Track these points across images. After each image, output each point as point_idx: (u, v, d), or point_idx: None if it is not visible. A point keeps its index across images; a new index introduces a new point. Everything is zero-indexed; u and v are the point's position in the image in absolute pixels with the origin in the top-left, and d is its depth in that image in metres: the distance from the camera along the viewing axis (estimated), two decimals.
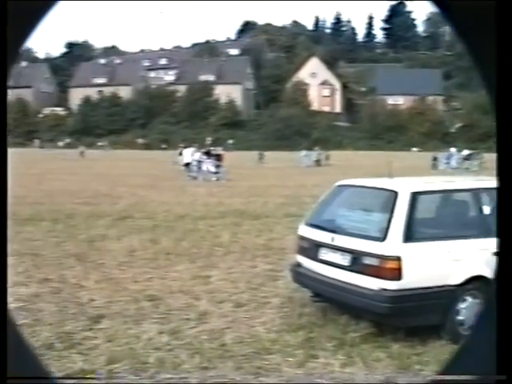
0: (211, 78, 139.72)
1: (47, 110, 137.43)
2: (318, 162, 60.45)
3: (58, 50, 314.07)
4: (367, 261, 7.91)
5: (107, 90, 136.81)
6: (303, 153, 61.86)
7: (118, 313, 9.11)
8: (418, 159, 60.80)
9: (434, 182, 9.55)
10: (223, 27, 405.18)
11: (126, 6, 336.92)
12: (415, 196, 8.08)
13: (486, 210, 8.33)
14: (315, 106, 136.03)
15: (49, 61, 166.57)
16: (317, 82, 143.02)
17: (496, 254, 1.65)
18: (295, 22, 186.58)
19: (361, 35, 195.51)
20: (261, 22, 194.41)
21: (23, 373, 1.67)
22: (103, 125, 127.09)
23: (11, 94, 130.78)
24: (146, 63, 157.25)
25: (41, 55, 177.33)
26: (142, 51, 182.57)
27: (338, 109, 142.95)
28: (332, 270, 8.52)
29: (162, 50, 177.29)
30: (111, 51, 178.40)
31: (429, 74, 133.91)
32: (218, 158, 40.92)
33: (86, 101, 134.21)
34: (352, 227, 8.69)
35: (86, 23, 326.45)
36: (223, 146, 62.65)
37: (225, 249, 14.37)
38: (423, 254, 7.75)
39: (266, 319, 8.87)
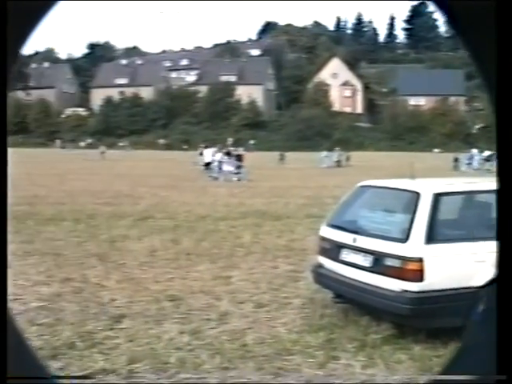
0: (232, 78, 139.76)
1: (69, 111, 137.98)
2: (338, 163, 60.31)
3: (79, 50, 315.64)
4: (389, 262, 7.87)
5: (129, 91, 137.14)
6: (324, 153, 61.72)
7: (139, 313, 9.13)
8: (439, 160, 60.50)
9: (456, 183, 9.50)
10: (244, 28, 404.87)
11: (147, 7, 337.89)
12: (437, 197, 8.03)
13: None
14: (336, 107, 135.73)
15: (71, 61, 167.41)
16: (338, 82, 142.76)
17: (496, 255, 1.65)
18: (316, 23, 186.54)
19: (382, 36, 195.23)
20: (282, 22, 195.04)
21: (23, 373, 1.67)
22: (124, 125, 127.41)
23: (34, 95, 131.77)
24: (168, 64, 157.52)
25: (63, 56, 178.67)
26: (164, 52, 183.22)
27: (359, 109, 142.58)
28: (353, 271, 8.48)
29: (183, 50, 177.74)
30: (133, 52, 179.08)
31: (451, 75, 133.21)
32: (239, 158, 40.93)
33: (108, 101, 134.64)
34: (374, 228, 8.65)
35: (107, 24, 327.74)
36: (244, 147, 62.67)
37: (246, 249, 14.36)
38: (445, 256, 7.70)
39: (287, 320, 8.85)
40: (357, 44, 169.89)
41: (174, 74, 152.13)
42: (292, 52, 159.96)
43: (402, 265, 7.67)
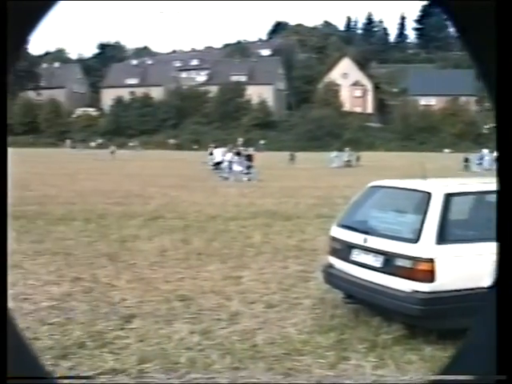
0: (243, 78, 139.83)
1: (79, 111, 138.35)
2: (348, 163, 60.26)
3: (90, 50, 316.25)
4: (400, 262, 7.86)
5: (139, 91, 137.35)
6: (334, 153, 61.68)
7: (149, 312, 9.13)
8: (449, 160, 60.34)
9: (467, 184, 9.47)
10: (255, 28, 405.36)
11: (157, 7, 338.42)
12: (449, 197, 8.01)
13: None
14: (347, 107, 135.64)
15: (81, 62, 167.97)
16: (348, 82, 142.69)
17: (496, 257, 1.64)
18: (327, 23, 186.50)
19: (393, 35, 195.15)
20: (292, 22, 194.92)
21: (23, 373, 1.67)
22: (135, 125, 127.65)
23: (44, 95, 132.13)
24: (178, 64, 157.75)
25: (73, 56, 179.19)
26: (174, 52, 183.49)
27: (369, 109, 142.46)
28: (364, 272, 8.47)
29: (193, 50, 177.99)
30: (143, 52, 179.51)
31: (461, 75, 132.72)
32: (249, 158, 40.91)
33: (118, 101, 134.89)
34: (384, 228, 8.64)
35: (118, 24, 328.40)
36: (255, 147, 62.67)
37: (256, 249, 14.36)
38: (456, 256, 7.68)
39: (298, 320, 8.84)
40: (367, 44, 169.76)
41: (184, 74, 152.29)
42: (302, 52, 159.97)
43: (412, 265, 7.65)
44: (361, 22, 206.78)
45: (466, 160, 56.52)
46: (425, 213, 7.89)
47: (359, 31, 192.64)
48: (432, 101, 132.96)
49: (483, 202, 9.07)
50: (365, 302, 8.82)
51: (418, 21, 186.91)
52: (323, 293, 10.05)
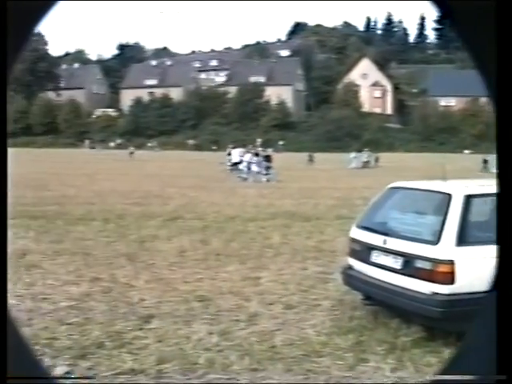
0: (262, 79, 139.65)
1: (99, 111, 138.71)
2: (366, 164, 60.08)
3: (109, 51, 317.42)
4: (419, 264, 7.82)
5: (158, 92, 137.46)
6: (353, 154, 61.54)
7: (168, 313, 9.15)
8: (469, 161, 60.08)
9: (487, 185, 9.41)
10: (274, 28, 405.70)
11: (177, 7, 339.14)
12: (469, 199, 7.96)
13: None
14: (366, 108, 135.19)
15: (101, 62, 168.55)
16: (368, 83, 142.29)
17: (496, 259, 1.64)
18: (346, 23, 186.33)
19: (413, 36, 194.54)
20: (311, 23, 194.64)
21: (23, 373, 1.68)
22: (154, 126, 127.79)
23: (64, 95, 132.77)
24: (197, 64, 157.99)
25: (93, 57, 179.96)
26: (193, 53, 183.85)
27: (389, 110, 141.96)
28: (383, 273, 8.44)
29: (212, 51, 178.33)
30: (162, 53, 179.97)
31: None
32: (268, 159, 40.88)
33: (137, 102, 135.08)
34: (404, 230, 8.60)
35: (138, 25, 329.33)
36: (274, 148, 62.67)
37: (275, 250, 14.35)
38: (476, 258, 7.62)
39: (317, 322, 8.82)
40: (387, 44, 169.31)
41: (203, 75, 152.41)
42: (322, 52, 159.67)
43: (432, 267, 7.61)
44: (380, 22, 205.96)
45: (485, 161, 56.11)
46: (445, 214, 7.85)
47: (379, 31, 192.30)
48: (452, 101, 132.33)
49: None
50: (384, 303, 8.78)
51: (438, 21, 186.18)
52: (342, 294, 10.04)
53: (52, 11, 1.64)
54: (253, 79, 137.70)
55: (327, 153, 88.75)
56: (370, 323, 8.65)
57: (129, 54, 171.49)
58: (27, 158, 62.19)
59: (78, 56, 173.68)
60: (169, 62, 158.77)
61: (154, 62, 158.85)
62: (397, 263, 8.22)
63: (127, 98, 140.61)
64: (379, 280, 8.51)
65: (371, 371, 7.01)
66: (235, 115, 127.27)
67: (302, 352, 7.54)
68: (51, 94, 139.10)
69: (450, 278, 7.46)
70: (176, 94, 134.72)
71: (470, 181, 10.45)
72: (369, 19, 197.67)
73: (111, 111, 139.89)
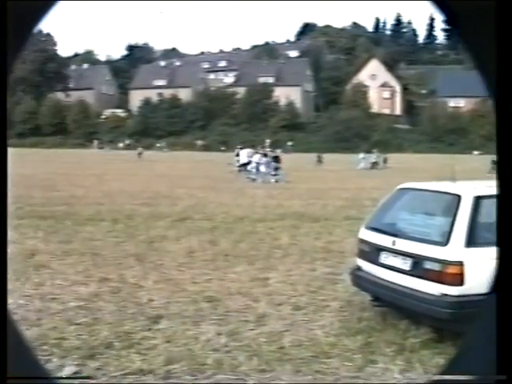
0: (270, 80, 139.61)
1: (108, 112, 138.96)
2: (375, 165, 59.96)
3: (118, 52, 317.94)
4: (428, 265, 7.80)
5: (167, 92, 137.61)
6: (361, 155, 61.44)
7: (176, 313, 9.14)
8: (479, 162, 59.91)
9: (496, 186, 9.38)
10: (282, 29, 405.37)
11: (185, 8, 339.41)
12: (478, 200, 7.92)
13: None
14: (375, 108, 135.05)
15: (110, 63, 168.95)
16: (377, 84, 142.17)
17: (496, 260, 1.64)
18: (355, 24, 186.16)
19: (422, 37, 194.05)
20: (320, 23, 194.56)
21: (23, 373, 1.68)
22: (163, 126, 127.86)
23: (73, 96, 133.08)
24: (206, 65, 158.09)
25: (102, 58, 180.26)
26: (202, 53, 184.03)
27: (398, 111, 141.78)
28: (392, 274, 8.42)
29: (221, 52, 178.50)
30: (171, 53, 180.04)
31: None
32: (277, 159, 40.88)
33: (146, 103, 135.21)
34: (413, 231, 8.58)
35: (146, 26, 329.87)
36: (282, 148, 62.59)
37: (283, 251, 14.34)
38: (486, 260, 7.59)
39: (325, 323, 8.82)
40: (396, 45, 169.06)
41: (212, 76, 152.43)
42: (330, 53, 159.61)
43: (441, 268, 7.59)
44: (389, 23, 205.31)
45: (495, 162, 56.04)
46: (454, 215, 7.83)
47: (388, 32, 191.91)
48: (461, 102, 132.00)
49: None
50: (393, 304, 8.77)
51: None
52: (351, 295, 10.03)
53: (53, 11, 1.64)
54: (261, 80, 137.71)
55: (336, 154, 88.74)
56: (379, 324, 8.63)
57: (138, 55, 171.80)
58: (36, 159, 62.38)
59: (87, 57, 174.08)
60: (178, 63, 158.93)
61: (162, 63, 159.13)
62: (406, 264, 8.21)
63: (136, 98, 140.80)
64: (388, 281, 8.49)
65: (380, 372, 7.00)
66: (244, 116, 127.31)
67: (311, 353, 7.53)
68: (60, 95, 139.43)
69: (459, 280, 7.44)
70: (185, 94, 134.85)
71: (480, 182, 10.42)
72: (378, 20, 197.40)
73: (120, 112, 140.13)
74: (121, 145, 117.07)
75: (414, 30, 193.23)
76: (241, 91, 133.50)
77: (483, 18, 1.56)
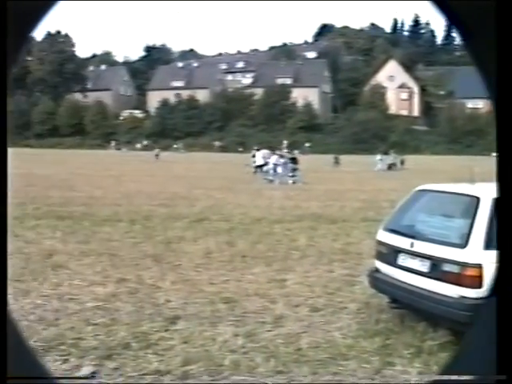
0: (288, 81, 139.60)
1: (126, 113, 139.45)
2: (392, 167, 59.75)
3: (136, 53, 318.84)
4: (447, 268, 7.76)
5: (185, 93, 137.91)
6: (378, 157, 61.24)
7: (193, 314, 9.15)
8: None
9: None
10: (300, 30, 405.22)
11: (203, 9, 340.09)
12: None
13: None
14: (393, 110, 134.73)
15: (128, 64, 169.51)
16: (395, 85, 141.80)
17: (497, 261, 1.65)
18: (373, 25, 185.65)
19: (440, 37, 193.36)
20: (338, 24, 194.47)
21: (23, 373, 1.68)
22: (180, 127, 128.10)
23: (91, 97, 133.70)
24: (224, 66, 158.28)
25: (120, 59, 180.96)
26: (220, 54, 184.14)
27: (415, 112, 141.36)
28: (410, 276, 8.39)
29: (239, 53, 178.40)
30: (189, 54, 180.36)
31: None
32: (294, 161, 40.86)
33: (164, 104, 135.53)
34: (432, 233, 8.54)
35: (164, 27, 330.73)
36: (300, 150, 62.53)
37: (301, 252, 14.32)
38: None
39: (343, 324, 8.79)
40: (414, 46, 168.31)
41: (229, 77, 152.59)
42: (348, 54, 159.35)
43: (460, 270, 7.55)
44: (408, 23, 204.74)
45: None
46: (473, 217, 7.78)
47: (406, 33, 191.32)
48: (479, 104, 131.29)
49: None
50: (410, 307, 8.73)
51: None
52: (368, 297, 9.99)
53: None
54: (279, 81, 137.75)
55: (354, 155, 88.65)
56: (397, 326, 8.60)
57: (155, 56, 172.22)
58: (54, 159, 62.66)
59: (105, 58, 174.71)
60: (195, 64, 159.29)
61: (180, 64, 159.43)
62: (424, 266, 8.17)
63: (154, 99, 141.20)
64: (406, 283, 8.46)
65: (398, 375, 6.97)
66: (261, 117, 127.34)
67: (328, 355, 7.51)
68: (78, 96, 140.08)
69: (477, 282, 7.39)
70: (202, 95, 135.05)
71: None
72: (396, 21, 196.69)
73: (138, 113, 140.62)
74: (138, 146, 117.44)
75: (432, 31, 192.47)
76: (258, 92, 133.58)
77: (483, 17, 1.56)
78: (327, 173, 50.08)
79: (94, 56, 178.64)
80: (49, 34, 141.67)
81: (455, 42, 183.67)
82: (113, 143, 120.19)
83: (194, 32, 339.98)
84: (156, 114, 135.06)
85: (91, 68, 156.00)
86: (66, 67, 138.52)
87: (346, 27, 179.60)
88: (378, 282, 9.26)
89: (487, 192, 8.17)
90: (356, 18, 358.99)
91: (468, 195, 8.36)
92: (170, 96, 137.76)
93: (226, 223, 18.90)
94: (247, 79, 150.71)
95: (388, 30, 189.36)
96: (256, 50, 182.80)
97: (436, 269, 7.94)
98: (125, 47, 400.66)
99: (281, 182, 38.12)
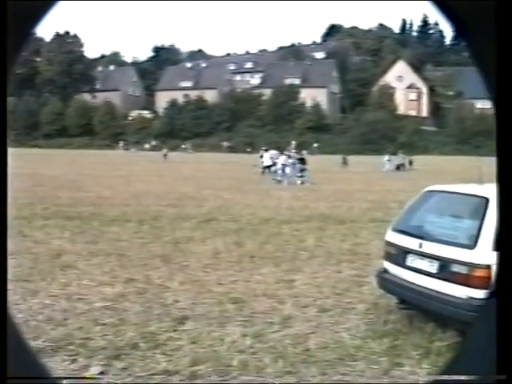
0: (296, 81, 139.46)
1: (134, 113, 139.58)
2: (400, 167, 59.63)
3: (145, 54, 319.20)
4: (456, 268, 7.74)
5: (193, 94, 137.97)
6: (386, 157, 61.09)
7: (202, 315, 9.15)
8: None
9: None
10: (309, 30, 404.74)
11: (211, 9, 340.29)
12: None
13: None
14: (401, 110, 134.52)
15: (136, 65, 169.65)
16: (403, 85, 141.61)
17: (497, 262, 1.65)
18: (381, 25, 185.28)
19: (448, 38, 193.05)
20: (347, 25, 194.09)
21: (23, 373, 1.69)
22: (189, 128, 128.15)
23: (99, 97, 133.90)
24: (232, 67, 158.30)
25: (128, 59, 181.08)
26: (228, 55, 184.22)
27: (424, 113, 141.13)
28: (419, 277, 8.37)
29: (247, 53, 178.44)
30: (197, 55, 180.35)
31: None
32: (303, 161, 40.82)
33: (172, 104, 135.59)
34: (441, 234, 8.52)
35: (172, 27, 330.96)
36: (308, 150, 62.45)
37: (309, 253, 14.31)
38: None
39: (351, 325, 8.78)
40: (422, 46, 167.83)
41: (238, 77, 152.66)
42: (357, 55, 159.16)
43: (469, 271, 7.53)
44: (416, 24, 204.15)
45: None
46: (482, 218, 7.75)
47: (414, 33, 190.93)
48: (488, 104, 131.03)
49: None
50: (419, 307, 8.71)
51: None
52: (377, 298, 9.98)
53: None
54: (288, 81, 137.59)
55: (362, 155, 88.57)
56: (405, 327, 8.59)
57: (164, 57, 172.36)
58: (63, 160, 62.75)
59: (114, 58, 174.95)
60: (204, 64, 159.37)
61: (189, 64, 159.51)
62: (432, 267, 8.16)
63: (162, 100, 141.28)
64: (414, 284, 8.45)
65: (406, 376, 6.96)
66: (270, 117, 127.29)
67: (337, 356, 7.50)
68: (87, 96, 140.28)
69: (486, 283, 7.36)
70: (211, 96, 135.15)
71: None
72: (404, 21, 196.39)
73: (146, 113, 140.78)
74: (147, 146, 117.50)
75: (440, 31, 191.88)
76: (267, 93, 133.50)
77: (483, 17, 1.56)
78: (335, 173, 50.05)
79: (103, 56, 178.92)
80: (57, 35, 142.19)
81: (464, 43, 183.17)
82: (121, 143, 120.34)
83: (203, 32, 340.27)
84: (164, 114, 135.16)
85: (100, 68, 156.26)
86: (75, 68, 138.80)
87: (354, 27, 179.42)
88: (387, 282, 9.25)
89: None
90: (364, 19, 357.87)
91: (477, 196, 8.34)
92: (179, 96, 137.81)
93: (234, 223, 18.90)
94: (255, 79, 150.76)
95: (396, 30, 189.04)
96: (264, 50, 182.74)
97: (445, 269, 7.93)
98: (133, 48, 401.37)
99: (289, 182, 38.12)
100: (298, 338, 8.13)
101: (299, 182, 38.29)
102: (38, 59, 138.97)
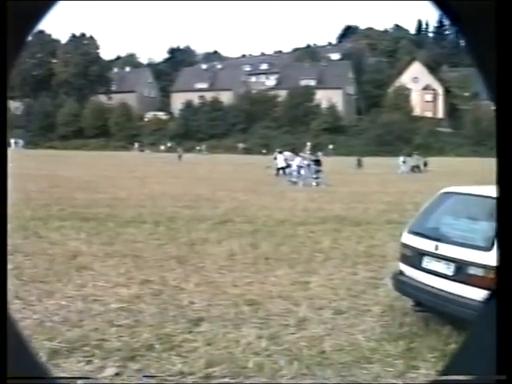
0: (312, 82, 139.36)
1: (150, 115, 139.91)
2: (415, 169, 59.42)
3: (160, 55, 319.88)
4: (472, 271, 7.71)
5: (208, 95, 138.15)
6: (401, 159, 60.91)
7: (217, 316, 9.15)
8: None
9: None
10: (324, 32, 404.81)
11: (227, 10, 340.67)
12: None
13: None
14: (417, 112, 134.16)
15: (152, 66, 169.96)
16: (419, 86, 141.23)
17: (497, 262, 1.68)
18: (397, 26, 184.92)
19: None
20: (362, 26, 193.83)
21: (23, 373, 1.69)
22: (204, 129, 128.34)
23: (115, 99, 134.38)
24: (247, 68, 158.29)
25: (144, 61, 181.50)
26: (244, 56, 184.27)
27: (440, 114, 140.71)
28: (435, 279, 8.35)
29: (263, 54, 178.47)
30: (213, 56, 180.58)
31: None
32: (318, 163, 40.77)
33: (188, 105, 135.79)
34: (457, 236, 8.49)
35: (188, 29, 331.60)
36: (323, 151, 62.38)
37: (325, 255, 14.28)
38: None
39: (366, 327, 8.76)
40: (438, 47, 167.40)
41: (253, 79, 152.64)
42: (372, 56, 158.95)
43: (485, 274, 7.49)
44: (432, 25, 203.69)
45: None
46: None
47: (430, 34, 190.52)
48: None
49: None
50: (435, 310, 8.69)
51: None
52: (392, 300, 9.95)
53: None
54: (303, 83, 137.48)
55: (378, 157, 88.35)
56: (421, 330, 8.56)
57: (179, 58, 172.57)
58: (79, 161, 62.97)
59: (130, 59, 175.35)
60: (219, 66, 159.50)
61: (204, 66, 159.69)
62: (449, 269, 8.13)
63: (178, 101, 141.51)
64: (430, 286, 8.42)
65: (421, 379, 6.93)
66: (285, 119, 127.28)
67: (352, 358, 7.48)
68: (103, 98, 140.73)
69: None
70: (226, 97, 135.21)
71: None
72: (420, 22, 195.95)
73: (162, 114, 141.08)
74: (162, 147, 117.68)
75: (456, 32, 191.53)
76: (282, 94, 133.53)
77: (483, 17, 1.56)
78: (351, 175, 49.95)
79: (119, 58, 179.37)
80: (73, 37, 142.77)
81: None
82: (136, 145, 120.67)
83: (218, 34, 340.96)
84: (180, 115, 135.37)
85: (115, 70, 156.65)
86: (91, 69, 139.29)
87: (369, 28, 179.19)
88: (403, 284, 9.22)
89: None
90: (380, 20, 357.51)
91: (493, 198, 8.29)
92: (194, 98, 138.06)
93: (249, 225, 18.90)
94: (271, 81, 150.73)
95: (412, 31, 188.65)
96: (280, 51, 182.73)
97: (461, 272, 7.90)
98: (149, 49, 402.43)
99: (304, 184, 38.06)
100: (314, 340, 8.12)
101: (314, 183, 38.22)
102: (54, 61, 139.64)
